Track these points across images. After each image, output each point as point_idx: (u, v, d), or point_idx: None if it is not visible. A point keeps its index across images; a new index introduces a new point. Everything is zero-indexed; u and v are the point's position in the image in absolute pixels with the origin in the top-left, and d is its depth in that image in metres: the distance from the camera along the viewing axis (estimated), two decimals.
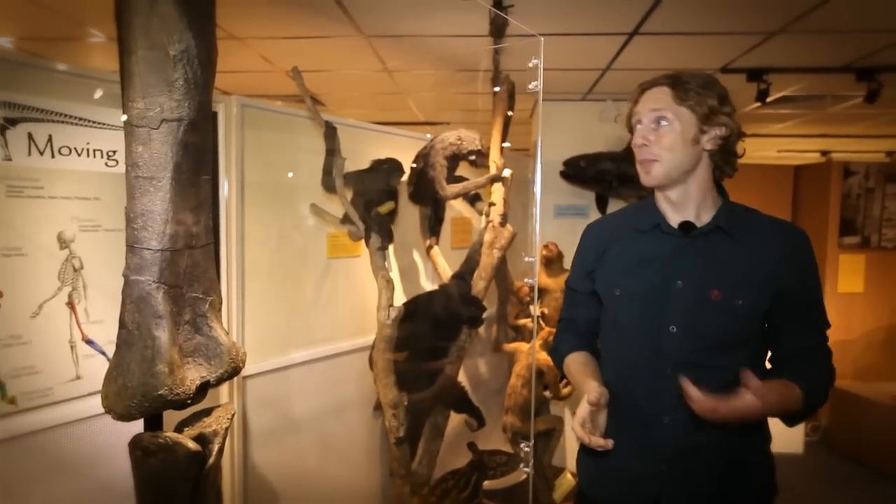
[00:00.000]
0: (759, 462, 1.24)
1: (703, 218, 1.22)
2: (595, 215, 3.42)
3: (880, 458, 3.75)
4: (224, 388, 1.96)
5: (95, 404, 1.22)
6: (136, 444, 1.17)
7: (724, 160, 1.22)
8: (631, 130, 1.28)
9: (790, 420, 1.20)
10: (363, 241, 2.10)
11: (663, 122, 1.18)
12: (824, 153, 5.21)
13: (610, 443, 1.15)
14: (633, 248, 1.28)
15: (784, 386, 1.14)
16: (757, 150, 5.36)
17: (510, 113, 2.59)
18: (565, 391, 2.86)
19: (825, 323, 1.24)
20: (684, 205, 1.23)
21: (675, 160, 1.18)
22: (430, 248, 2.55)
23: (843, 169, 4.37)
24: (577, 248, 1.43)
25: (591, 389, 1.18)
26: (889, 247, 4.40)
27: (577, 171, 3.28)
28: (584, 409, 1.17)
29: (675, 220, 1.24)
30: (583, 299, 1.39)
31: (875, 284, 4.39)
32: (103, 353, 1.60)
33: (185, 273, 1.21)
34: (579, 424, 1.17)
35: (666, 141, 1.18)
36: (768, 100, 2.90)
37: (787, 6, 2.06)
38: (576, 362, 1.36)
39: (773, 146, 5.12)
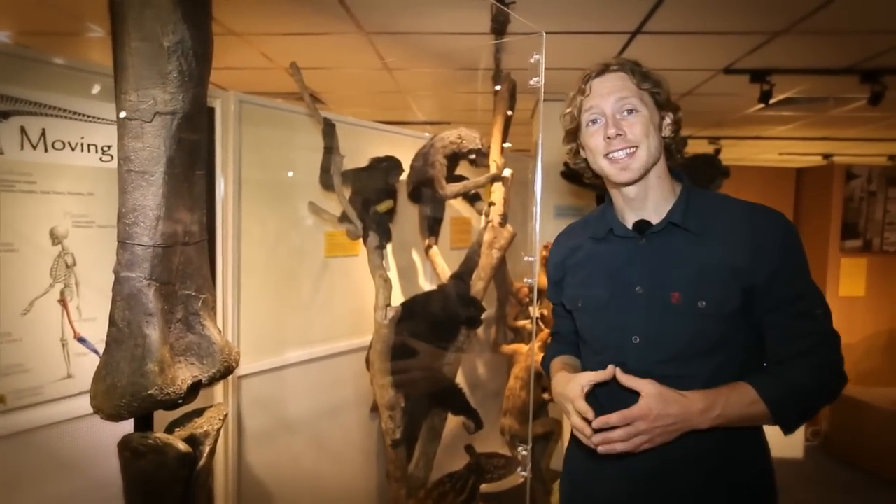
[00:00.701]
0: (754, 478, 1.13)
1: (661, 213, 1.13)
2: None
3: (880, 464, 3.73)
4: (218, 388, 1.93)
5: (86, 404, 1.19)
6: (125, 445, 1.15)
7: (676, 147, 1.16)
8: (575, 129, 1.17)
9: (784, 427, 1.07)
10: (361, 239, 2.07)
11: (632, 110, 1.09)
12: (826, 156, 5.19)
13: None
14: (591, 256, 1.22)
15: (728, 389, 1.04)
16: (759, 153, 5.34)
17: (510, 112, 2.56)
18: None
19: (822, 315, 1.09)
20: (643, 201, 1.14)
21: (652, 147, 1.09)
22: (428, 247, 2.53)
23: (845, 172, 4.35)
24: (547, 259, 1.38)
25: (584, 374, 1.10)
26: (891, 251, 4.38)
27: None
28: (585, 377, 1.08)
29: (630, 220, 1.16)
30: (560, 311, 1.34)
31: (876, 288, 4.37)
32: (95, 352, 1.57)
33: (177, 270, 1.19)
34: (580, 393, 1.06)
35: (640, 128, 1.08)
36: (771, 101, 2.87)
37: (791, 6, 2.03)
38: (555, 362, 1.31)
39: (774, 149, 5.10)
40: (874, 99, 2.77)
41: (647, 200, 1.14)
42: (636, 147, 1.08)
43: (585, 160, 1.20)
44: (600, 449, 1.03)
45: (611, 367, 1.07)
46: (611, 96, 1.09)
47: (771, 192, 4.51)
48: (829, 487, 3.65)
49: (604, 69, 1.12)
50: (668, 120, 1.14)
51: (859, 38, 2.34)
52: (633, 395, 1.04)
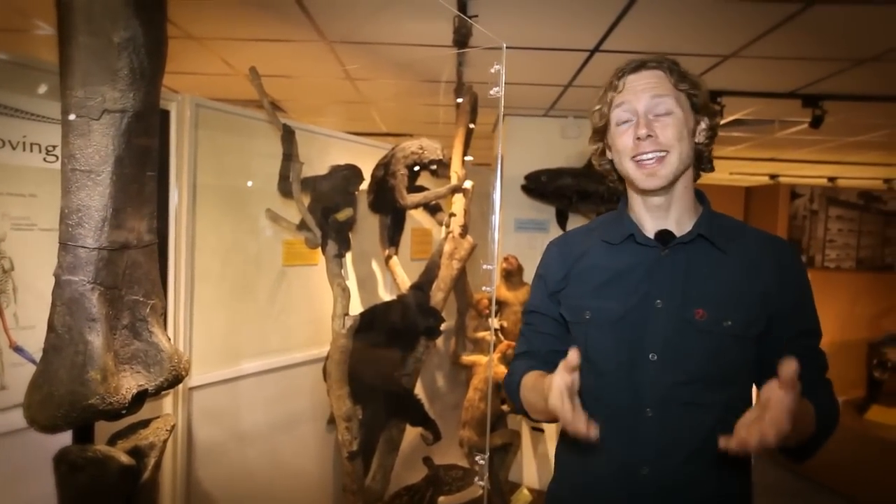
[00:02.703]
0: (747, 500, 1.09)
1: (684, 227, 1.06)
2: (554, 230, 3.46)
3: (821, 473, 3.88)
4: (168, 400, 1.86)
5: (21, 417, 1.12)
6: (61, 459, 1.09)
7: (707, 156, 1.08)
8: (604, 127, 1.08)
9: (800, 452, 1.01)
10: (320, 248, 2.04)
11: (666, 111, 1.00)
12: (772, 177, 5.45)
13: (595, 431, 0.86)
14: (603, 263, 1.10)
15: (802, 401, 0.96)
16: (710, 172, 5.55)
17: (472, 125, 2.59)
18: None
19: (824, 353, 1.07)
20: (666, 211, 1.06)
21: (683, 154, 1.00)
22: (388, 258, 2.51)
23: (789, 191, 4.57)
24: (539, 267, 1.22)
25: (560, 365, 0.89)
26: (831, 267, 4.61)
27: (538, 185, 3.31)
28: (560, 377, 0.88)
29: (651, 229, 1.07)
30: (546, 325, 1.19)
31: (819, 304, 4.55)
32: (33, 362, 1.49)
33: (124, 274, 1.14)
34: (559, 397, 0.87)
35: (672, 131, 0.99)
36: (722, 122, 3.00)
37: (739, 31, 2.13)
38: (532, 377, 1.14)
39: (726, 168, 5.32)
40: (815, 122, 2.92)
41: (671, 211, 1.06)
42: (667, 152, 1.00)
43: (611, 161, 1.12)
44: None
45: (573, 352, 0.88)
46: (645, 94, 1.01)
47: (722, 209, 4.66)
48: (777, 495, 3.77)
49: (640, 65, 1.03)
50: (703, 125, 1.06)
51: (800, 65, 2.48)
52: (643, 427, 0.96)
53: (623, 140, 1.03)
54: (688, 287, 1.01)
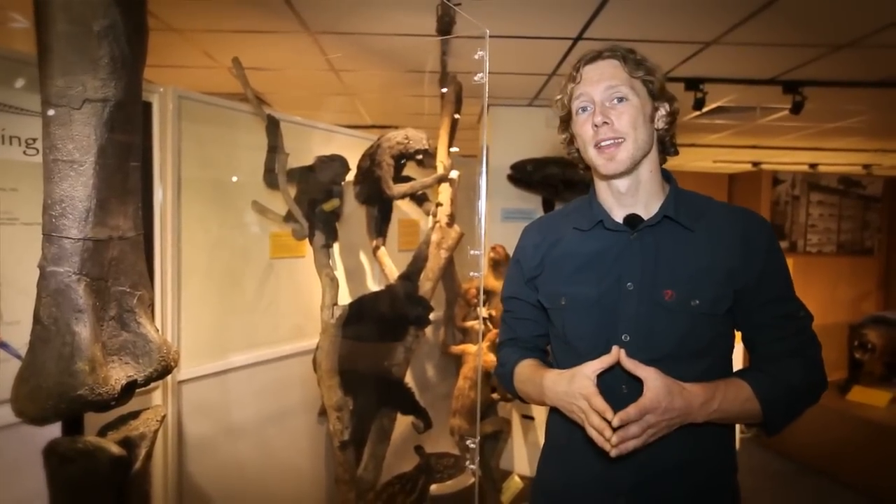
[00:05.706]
0: (727, 492, 1.12)
1: (651, 209, 1.09)
2: None
3: (806, 454, 3.96)
4: (157, 393, 1.85)
5: (7, 413, 1.11)
6: (51, 451, 1.09)
7: (669, 141, 1.12)
8: (567, 117, 1.12)
9: (765, 427, 1.07)
10: (307, 240, 2.04)
11: (622, 99, 1.04)
12: (755, 164, 5.52)
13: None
14: (576, 250, 1.13)
15: (725, 384, 1.03)
16: (695, 160, 5.61)
17: (457, 115, 2.59)
18: None
19: (805, 317, 1.11)
20: (633, 196, 1.09)
21: (640, 140, 1.04)
22: (376, 248, 2.51)
23: (772, 177, 4.63)
24: (515, 252, 1.26)
25: (588, 364, 1.01)
26: (813, 251, 4.69)
27: (524, 174, 3.32)
28: (590, 367, 1.00)
29: (619, 214, 1.11)
30: (527, 311, 1.23)
31: (801, 287, 4.63)
32: (18, 357, 1.47)
33: (110, 265, 1.14)
34: (595, 389, 0.98)
35: (628, 118, 1.03)
36: (704, 109, 3.03)
37: (720, 17, 2.16)
38: (525, 367, 1.19)
39: (709, 156, 5.37)
40: (795, 108, 2.96)
41: (638, 195, 1.09)
42: (623, 138, 1.03)
43: (577, 150, 1.15)
44: (615, 451, 0.95)
45: (615, 349, 1.01)
46: (600, 83, 1.05)
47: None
48: (763, 477, 3.85)
49: (596, 56, 1.07)
50: (662, 111, 1.09)
51: (780, 51, 2.51)
52: (618, 405, 0.98)
53: (585, 129, 1.07)
54: (657, 269, 1.05)
